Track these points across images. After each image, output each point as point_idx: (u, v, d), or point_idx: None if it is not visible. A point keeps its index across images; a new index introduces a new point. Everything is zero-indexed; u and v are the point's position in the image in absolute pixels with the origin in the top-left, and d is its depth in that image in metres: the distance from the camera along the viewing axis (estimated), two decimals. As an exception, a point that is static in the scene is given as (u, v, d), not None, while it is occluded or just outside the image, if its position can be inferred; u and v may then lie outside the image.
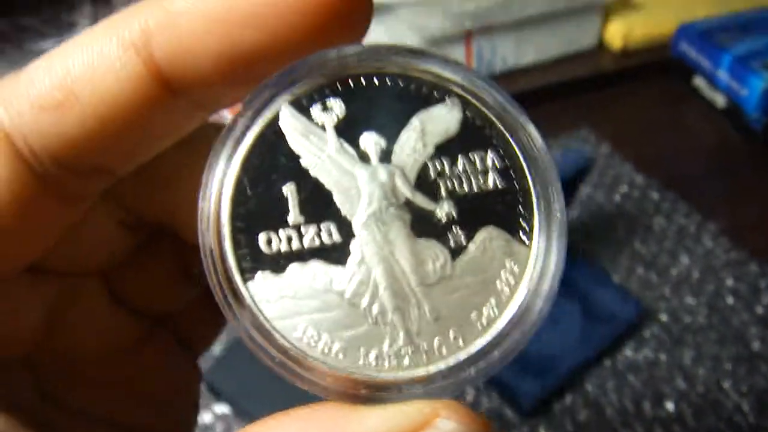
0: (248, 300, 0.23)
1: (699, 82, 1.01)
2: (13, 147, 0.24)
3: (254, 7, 0.23)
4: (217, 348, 0.69)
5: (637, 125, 0.96)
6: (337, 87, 0.25)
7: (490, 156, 0.25)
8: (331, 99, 0.25)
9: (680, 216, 0.84)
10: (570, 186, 0.76)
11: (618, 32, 1.06)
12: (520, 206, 0.25)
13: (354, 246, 0.24)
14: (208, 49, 0.23)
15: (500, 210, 0.25)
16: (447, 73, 0.25)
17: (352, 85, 0.25)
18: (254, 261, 0.24)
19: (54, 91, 0.23)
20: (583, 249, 0.79)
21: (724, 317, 0.75)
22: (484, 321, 0.24)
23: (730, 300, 0.77)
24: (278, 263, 0.24)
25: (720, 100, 0.98)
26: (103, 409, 0.33)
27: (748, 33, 1.00)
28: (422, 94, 0.25)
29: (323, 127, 0.25)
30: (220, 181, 0.24)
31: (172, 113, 0.25)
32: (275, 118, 0.24)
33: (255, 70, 0.24)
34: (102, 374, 0.33)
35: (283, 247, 0.24)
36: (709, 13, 1.07)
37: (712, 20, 1.05)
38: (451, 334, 0.24)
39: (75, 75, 0.23)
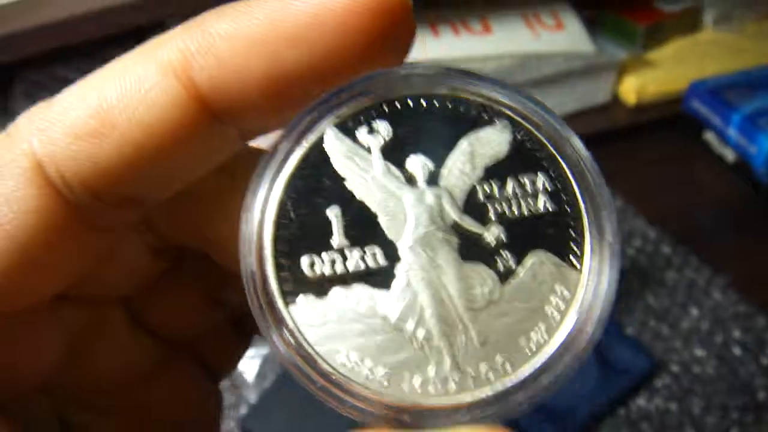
0: (290, 324, 0.23)
1: (709, 137, 1.04)
2: (46, 176, 0.23)
3: (298, 28, 0.22)
4: (252, 394, 0.73)
5: (650, 178, 0.99)
6: (384, 109, 0.24)
7: (541, 178, 0.25)
8: (378, 121, 0.24)
9: (691, 269, 0.88)
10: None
11: (632, 88, 1.08)
12: (571, 230, 0.24)
13: (399, 270, 0.24)
14: (251, 72, 0.23)
15: (551, 234, 0.24)
16: (497, 95, 0.25)
17: (399, 107, 0.24)
18: (296, 284, 0.23)
19: (89, 119, 0.22)
20: None
21: (731, 368, 0.78)
22: (533, 346, 0.23)
23: (737, 351, 0.80)
24: (321, 287, 0.23)
25: (729, 155, 1.01)
26: None
27: (756, 91, 1.03)
28: (471, 116, 0.25)
29: (369, 150, 0.24)
30: (263, 204, 0.23)
31: (214, 140, 0.24)
32: (320, 141, 0.24)
33: (299, 94, 0.24)
34: (122, 400, 0.32)
35: (327, 271, 0.23)
36: (720, 70, 1.10)
37: (722, 78, 1.07)
38: (499, 360, 0.23)
39: (111, 102, 0.22)
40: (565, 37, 1.03)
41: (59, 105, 0.23)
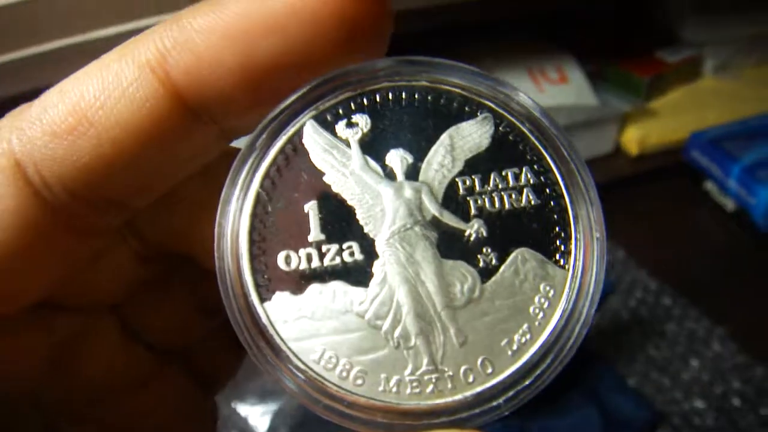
0: (264, 320, 0.22)
1: (710, 186, 1.06)
2: (24, 175, 0.22)
3: (272, 18, 0.22)
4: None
5: (651, 229, 1.00)
6: (364, 102, 0.24)
7: (525, 172, 0.24)
8: (357, 114, 0.24)
9: (691, 321, 0.89)
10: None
11: (634, 139, 1.09)
12: (556, 225, 0.23)
13: (377, 266, 0.23)
14: (227, 65, 0.22)
15: (535, 229, 0.23)
16: (480, 87, 0.24)
17: (379, 99, 0.24)
18: (272, 279, 0.23)
19: (67, 116, 0.22)
20: (601, 354, 0.85)
21: (731, 419, 0.79)
22: (515, 347, 0.22)
23: (736, 402, 0.81)
24: (297, 282, 0.23)
25: (729, 204, 1.02)
26: None
27: (755, 141, 1.03)
28: (453, 109, 0.24)
29: (348, 143, 0.24)
30: (240, 198, 0.23)
31: (193, 138, 0.24)
32: (298, 134, 0.23)
33: (276, 86, 0.23)
34: (113, 411, 0.31)
35: (303, 266, 0.23)
36: (720, 118, 1.11)
37: (721, 128, 1.08)
38: (479, 361, 0.22)
39: (88, 99, 0.22)
40: (569, 90, 1.05)
41: (39, 104, 0.23)
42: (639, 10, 1.20)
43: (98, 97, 0.22)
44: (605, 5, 1.09)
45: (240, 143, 0.25)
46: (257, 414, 0.74)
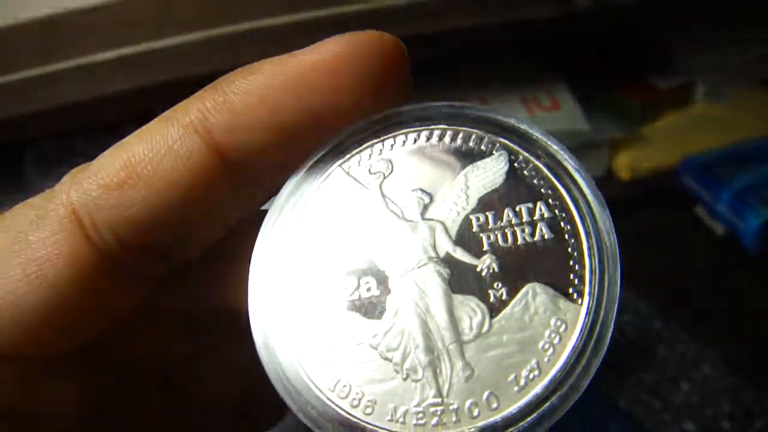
0: (289, 350, 0.24)
1: (700, 211, 1.07)
2: (79, 224, 0.24)
3: (297, 78, 0.24)
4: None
5: (642, 253, 1.02)
6: (385, 148, 0.25)
7: (539, 206, 0.24)
8: (379, 160, 0.25)
9: (681, 344, 0.90)
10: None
11: (625, 164, 1.10)
12: (570, 260, 0.24)
13: (390, 301, 0.24)
14: (260, 120, 0.24)
15: (548, 264, 0.24)
16: (495, 125, 0.25)
17: (399, 144, 0.25)
18: (297, 313, 0.24)
19: (119, 171, 0.24)
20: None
21: None
22: (523, 382, 0.23)
23: (726, 425, 0.82)
24: (318, 316, 0.24)
25: (719, 229, 1.04)
26: None
27: (745, 166, 1.05)
28: (469, 148, 0.25)
29: (370, 188, 0.25)
30: (270, 241, 0.25)
31: (231, 191, 0.26)
32: (325, 183, 0.25)
33: (305, 140, 0.25)
34: None
35: (325, 300, 0.24)
36: (711, 143, 1.11)
37: (712, 153, 1.09)
38: (485, 395, 0.23)
39: (138, 157, 0.24)
40: (561, 117, 1.06)
41: (96, 163, 0.25)
42: (631, 36, 1.21)
43: (147, 154, 0.24)
44: (597, 32, 1.10)
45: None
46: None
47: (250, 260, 0.25)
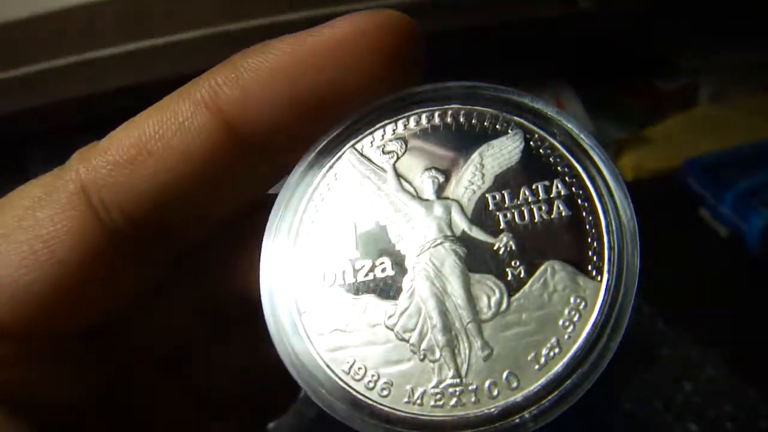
0: (302, 332, 0.23)
1: (704, 212, 1.07)
2: (87, 200, 0.24)
3: (313, 55, 0.24)
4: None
5: (645, 254, 1.01)
6: (399, 128, 0.25)
7: (556, 184, 0.24)
8: (393, 140, 0.25)
9: (684, 345, 0.90)
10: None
11: (629, 165, 1.09)
12: (588, 236, 0.23)
13: (406, 281, 0.24)
14: (273, 99, 0.24)
15: (566, 241, 0.23)
16: (510, 105, 0.25)
17: (412, 125, 0.25)
18: (309, 295, 0.24)
19: (129, 148, 0.24)
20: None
21: None
22: (543, 361, 0.22)
23: (729, 426, 0.82)
24: (334, 297, 0.24)
25: (723, 231, 1.03)
26: None
27: (749, 168, 1.04)
28: (484, 127, 0.25)
29: (384, 168, 0.25)
30: (288, 221, 0.24)
31: (241, 168, 0.25)
32: (340, 164, 0.25)
33: (320, 118, 0.25)
34: None
35: (339, 282, 0.24)
36: (715, 145, 1.11)
37: (716, 155, 1.09)
38: (505, 375, 0.22)
39: (148, 133, 0.24)
40: (565, 117, 1.05)
41: (106, 140, 0.25)
42: (634, 38, 1.21)
43: (157, 130, 0.24)
44: (601, 34, 1.10)
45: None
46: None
47: (260, 243, 0.25)
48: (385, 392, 0.23)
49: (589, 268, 0.23)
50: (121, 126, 0.25)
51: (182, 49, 0.75)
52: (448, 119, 0.25)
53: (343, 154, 0.25)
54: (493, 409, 0.22)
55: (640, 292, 0.22)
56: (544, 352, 0.22)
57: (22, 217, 0.24)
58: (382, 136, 0.25)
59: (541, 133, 0.24)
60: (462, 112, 0.25)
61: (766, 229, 0.97)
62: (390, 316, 0.23)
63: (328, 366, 0.23)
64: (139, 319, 0.28)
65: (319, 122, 0.25)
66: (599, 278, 0.23)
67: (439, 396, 0.22)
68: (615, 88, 1.18)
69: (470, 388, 0.22)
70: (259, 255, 0.24)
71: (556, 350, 0.22)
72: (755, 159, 1.09)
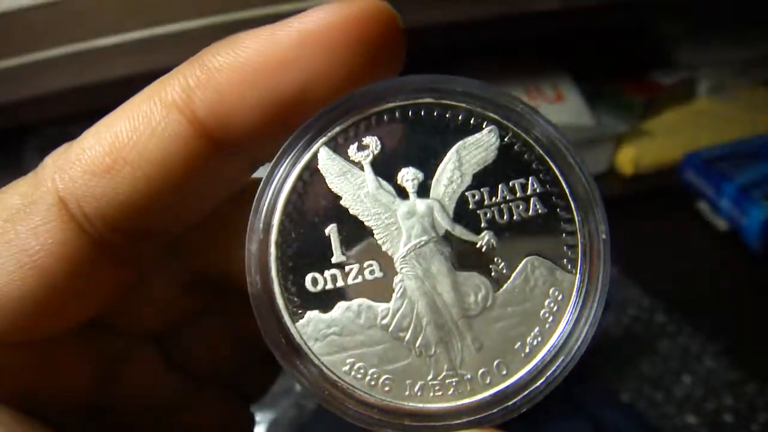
0: (298, 339, 0.24)
1: (703, 206, 1.06)
2: (68, 211, 0.24)
3: (286, 52, 0.23)
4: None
5: (645, 248, 1.01)
6: (372, 123, 0.25)
7: (531, 182, 0.25)
8: (367, 137, 0.25)
9: (684, 337, 0.90)
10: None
11: (628, 159, 1.10)
12: (563, 232, 0.24)
13: (396, 282, 0.24)
14: (248, 100, 0.23)
15: (543, 237, 0.24)
16: (484, 100, 0.25)
17: (386, 120, 0.25)
18: (302, 301, 0.24)
19: (104, 156, 0.24)
20: (594, 369, 0.85)
21: None
22: (528, 350, 0.24)
23: (729, 418, 0.82)
24: (325, 302, 0.24)
25: (722, 224, 1.02)
26: None
27: (748, 161, 1.05)
28: (459, 123, 0.25)
29: (361, 166, 0.25)
30: (266, 226, 0.24)
31: (219, 168, 0.25)
32: (314, 161, 0.25)
33: (297, 115, 0.24)
34: (154, 429, 0.32)
35: (329, 286, 0.24)
36: (714, 139, 1.12)
37: (715, 148, 1.09)
38: (495, 364, 0.24)
39: (123, 140, 0.23)
40: (565, 109, 1.06)
41: (78, 145, 0.24)
42: (635, 32, 1.21)
43: (131, 137, 0.24)
44: (602, 26, 1.10)
45: (261, 172, 0.26)
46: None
47: (245, 231, 0.24)
48: (387, 388, 0.24)
49: (565, 262, 0.25)
50: (92, 129, 0.24)
51: (181, 39, 0.74)
52: (422, 114, 0.25)
53: (316, 151, 0.25)
54: (488, 396, 0.24)
55: (611, 283, 0.24)
56: (528, 341, 0.24)
57: (3, 231, 0.24)
58: (355, 133, 0.25)
59: (515, 129, 0.25)
60: (435, 106, 0.25)
61: (765, 223, 0.98)
62: (384, 317, 0.24)
63: (329, 369, 0.24)
64: (124, 305, 0.29)
65: (296, 119, 0.24)
66: (574, 271, 0.24)
67: (438, 387, 0.24)
68: (614, 81, 1.18)
69: (465, 377, 0.24)
70: (244, 257, 0.24)
71: (539, 339, 0.24)
72: (755, 153, 1.09)
